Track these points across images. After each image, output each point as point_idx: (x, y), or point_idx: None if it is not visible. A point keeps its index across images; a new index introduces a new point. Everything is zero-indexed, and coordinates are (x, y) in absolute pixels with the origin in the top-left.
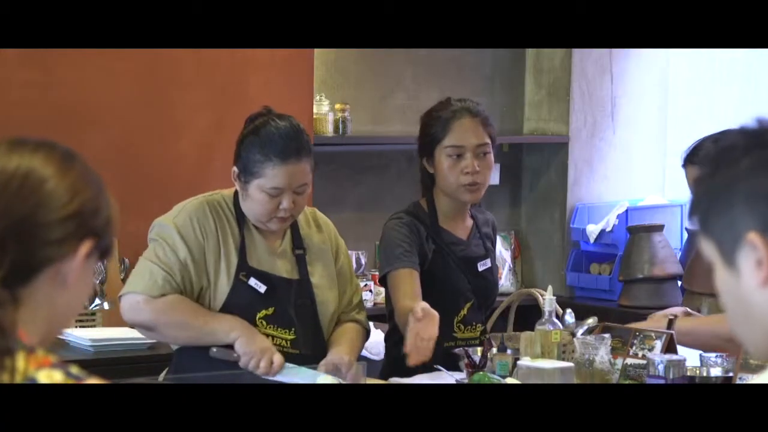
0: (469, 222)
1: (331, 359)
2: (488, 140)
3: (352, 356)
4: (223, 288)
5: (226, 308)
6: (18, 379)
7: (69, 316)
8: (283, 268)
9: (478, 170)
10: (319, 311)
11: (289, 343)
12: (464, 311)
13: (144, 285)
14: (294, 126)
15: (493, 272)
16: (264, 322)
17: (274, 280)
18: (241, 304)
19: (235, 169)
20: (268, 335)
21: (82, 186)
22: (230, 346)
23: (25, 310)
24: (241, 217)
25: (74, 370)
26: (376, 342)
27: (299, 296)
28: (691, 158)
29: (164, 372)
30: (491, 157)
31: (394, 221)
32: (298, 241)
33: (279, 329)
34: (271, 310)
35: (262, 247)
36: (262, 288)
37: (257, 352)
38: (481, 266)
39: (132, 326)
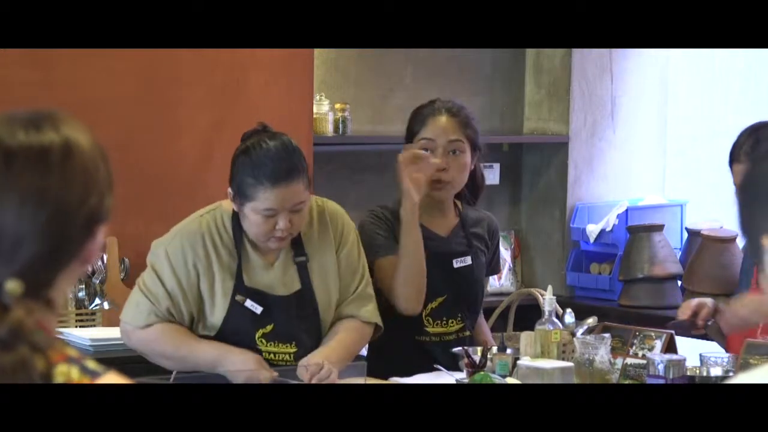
0: (453, 219)
1: (302, 362)
2: (462, 139)
3: (335, 356)
4: (219, 311)
5: (224, 330)
6: (35, 376)
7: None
8: (282, 283)
9: (445, 168)
10: (322, 319)
11: (292, 356)
12: (434, 305)
13: (131, 315)
14: (285, 145)
15: (473, 271)
16: (264, 341)
17: (270, 300)
18: (238, 326)
19: (230, 190)
20: (269, 352)
21: (93, 163)
22: None
23: (49, 300)
24: (238, 234)
25: (90, 364)
26: None
27: (301, 307)
28: (736, 156)
29: (175, 372)
30: (465, 157)
31: (366, 216)
32: (299, 249)
33: (279, 345)
34: (269, 328)
35: (258, 264)
36: (258, 309)
37: (247, 378)
38: (458, 263)
39: None
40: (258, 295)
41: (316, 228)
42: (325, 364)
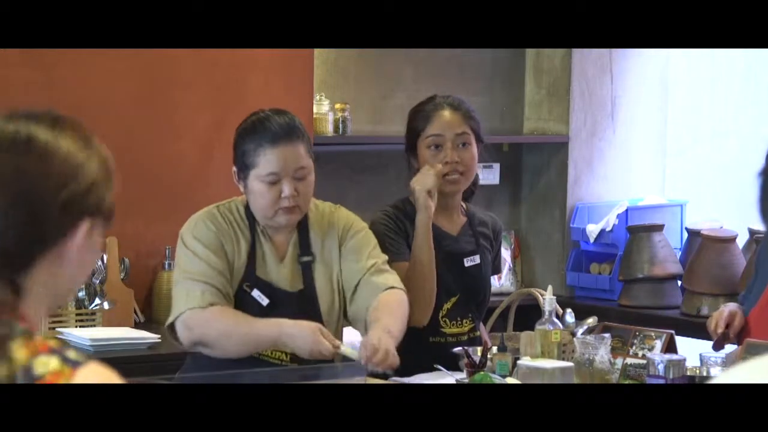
0: (462, 218)
1: (363, 342)
2: (468, 131)
3: (389, 334)
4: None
5: None
6: (14, 368)
7: (74, 288)
8: (288, 279)
9: (458, 160)
10: (325, 321)
11: (288, 356)
12: (448, 305)
13: (185, 303)
14: (286, 114)
15: (482, 269)
16: None
17: (277, 294)
18: None
19: (234, 168)
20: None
21: (84, 158)
22: None
23: (28, 292)
24: (252, 225)
25: (71, 354)
26: None
27: (303, 308)
28: None
29: (178, 372)
30: (473, 149)
31: (379, 215)
32: (305, 248)
33: None
34: None
35: (270, 256)
36: (264, 301)
37: (310, 353)
38: (468, 262)
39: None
40: (266, 287)
41: (325, 226)
42: (381, 345)
